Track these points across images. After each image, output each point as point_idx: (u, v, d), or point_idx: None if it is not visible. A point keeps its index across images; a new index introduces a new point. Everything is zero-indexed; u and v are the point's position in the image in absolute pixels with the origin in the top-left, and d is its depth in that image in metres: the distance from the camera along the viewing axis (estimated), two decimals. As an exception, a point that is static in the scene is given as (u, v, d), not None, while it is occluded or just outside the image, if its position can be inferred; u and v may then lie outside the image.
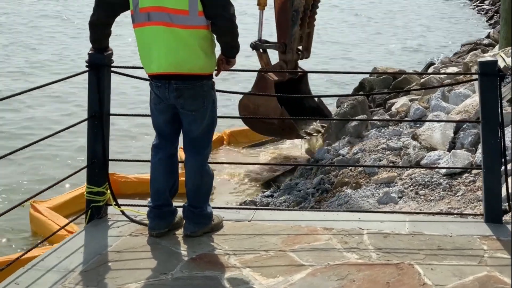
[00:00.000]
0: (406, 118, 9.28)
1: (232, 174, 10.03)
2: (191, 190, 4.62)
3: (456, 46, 19.81)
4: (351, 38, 23.44)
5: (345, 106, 10.27)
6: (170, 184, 4.67)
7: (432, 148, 7.70)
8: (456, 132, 7.75)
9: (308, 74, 10.66)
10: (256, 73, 9.89)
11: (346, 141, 9.12)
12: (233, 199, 9.17)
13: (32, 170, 10.12)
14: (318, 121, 10.24)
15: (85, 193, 4.87)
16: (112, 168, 8.82)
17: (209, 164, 4.70)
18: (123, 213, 4.88)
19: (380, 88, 11.33)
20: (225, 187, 9.67)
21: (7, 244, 7.73)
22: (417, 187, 6.99)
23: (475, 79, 5.07)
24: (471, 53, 12.32)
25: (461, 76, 9.38)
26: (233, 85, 13.99)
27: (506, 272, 4.09)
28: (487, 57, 10.53)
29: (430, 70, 12.95)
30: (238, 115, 9.89)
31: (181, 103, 4.42)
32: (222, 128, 11.42)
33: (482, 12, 28.92)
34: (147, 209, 4.71)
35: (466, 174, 6.76)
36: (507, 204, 4.96)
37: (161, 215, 4.63)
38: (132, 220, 4.83)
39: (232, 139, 11.47)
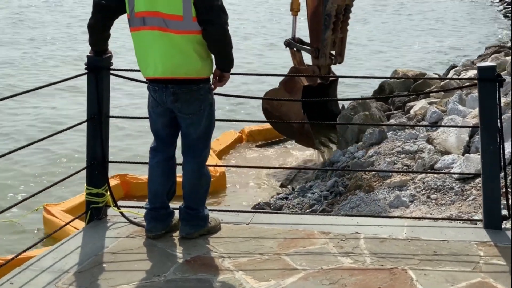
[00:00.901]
0: (422, 122, 9.20)
1: (250, 175, 10.10)
2: (188, 192, 4.64)
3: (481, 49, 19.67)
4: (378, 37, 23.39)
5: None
6: (167, 187, 4.69)
7: (446, 152, 7.63)
8: (471, 136, 7.67)
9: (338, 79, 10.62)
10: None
11: (361, 144, 9.08)
12: (249, 199, 9.21)
13: (32, 170, 10.24)
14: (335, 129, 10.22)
15: (84, 194, 4.92)
16: (125, 169, 8.98)
17: (207, 167, 4.74)
18: (122, 214, 4.93)
19: (400, 91, 11.25)
20: (242, 189, 9.72)
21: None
22: (429, 191, 6.93)
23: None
24: (493, 55, 12.15)
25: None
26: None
27: (501, 279, 4.04)
28: (508, 60, 10.40)
29: (452, 72, 12.81)
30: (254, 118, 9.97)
31: (178, 107, 4.44)
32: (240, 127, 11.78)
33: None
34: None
35: (479, 179, 6.68)
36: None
37: (158, 217, 4.66)
38: (130, 222, 4.87)
39: (250, 138, 11.72)
